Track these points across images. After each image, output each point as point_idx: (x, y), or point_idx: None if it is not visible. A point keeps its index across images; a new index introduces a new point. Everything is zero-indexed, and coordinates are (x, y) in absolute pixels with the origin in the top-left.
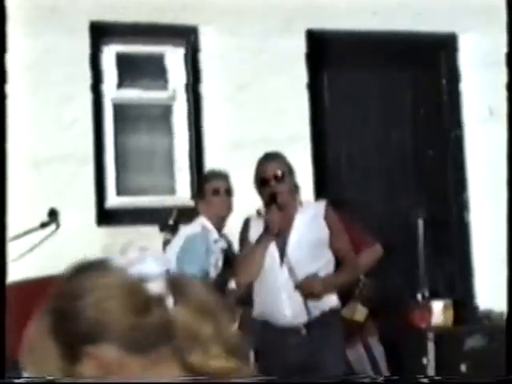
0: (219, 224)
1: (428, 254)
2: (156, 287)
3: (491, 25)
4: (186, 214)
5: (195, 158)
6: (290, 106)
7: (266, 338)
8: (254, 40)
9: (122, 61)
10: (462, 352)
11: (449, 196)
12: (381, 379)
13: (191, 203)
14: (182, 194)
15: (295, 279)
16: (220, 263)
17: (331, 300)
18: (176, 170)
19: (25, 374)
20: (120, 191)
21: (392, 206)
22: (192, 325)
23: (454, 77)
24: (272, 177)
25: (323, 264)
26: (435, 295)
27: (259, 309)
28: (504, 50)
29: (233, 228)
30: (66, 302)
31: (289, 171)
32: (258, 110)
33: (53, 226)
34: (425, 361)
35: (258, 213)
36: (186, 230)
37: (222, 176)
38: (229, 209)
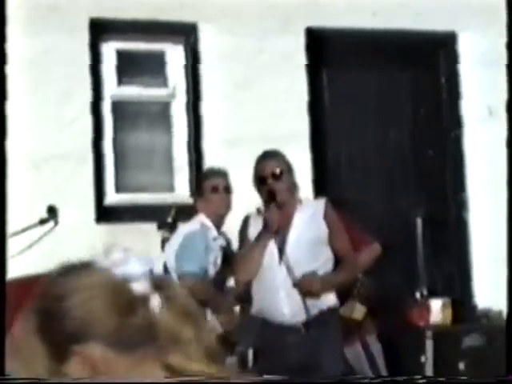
0: (218, 222)
1: (427, 253)
2: (140, 287)
3: (490, 24)
4: (184, 212)
5: (194, 155)
6: (289, 105)
7: (265, 337)
8: (253, 38)
9: (122, 58)
10: (460, 350)
11: (448, 195)
12: (379, 380)
13: (190, 201)
14: (181, 192)
15: (294, 277)
16: (219, 261)
17: (330, 299)
18: (175, 168)
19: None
20: (119, 188)
21: (391, 206)
22: (174, 327)
23: (453, 76)
24: (270, 175)
25: (322, 262)
26: (434, 294)
27: (258, 307)
28: (503, 49)
29: (232, 226)
30: (51, 302)
31: (287, 169)
32: (257, 108)
33: (51, 223)
34: (423, 359)
35: (258, 211)
36: (184, 228)
37: (221, 174)
38: (228, 206)
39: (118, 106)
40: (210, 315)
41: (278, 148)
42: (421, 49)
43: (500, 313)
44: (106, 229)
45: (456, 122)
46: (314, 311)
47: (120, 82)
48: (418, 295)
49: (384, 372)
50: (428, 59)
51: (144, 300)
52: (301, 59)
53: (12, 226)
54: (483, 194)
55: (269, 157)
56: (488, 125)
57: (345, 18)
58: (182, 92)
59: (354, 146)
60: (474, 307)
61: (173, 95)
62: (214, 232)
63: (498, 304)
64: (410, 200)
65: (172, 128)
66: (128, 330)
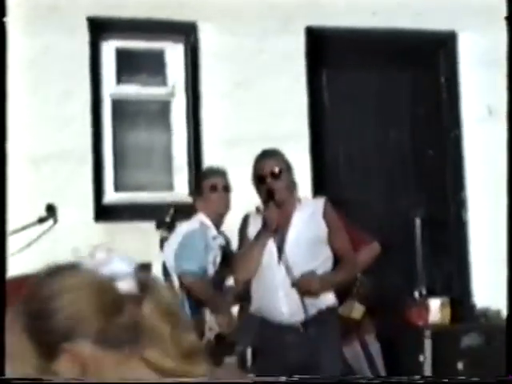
0: (217, 221)
1: (426, 252)
2: (125, 286)
3: (490, 24)
4: (183, 211)
5: (193, 154)
6: (288, 105)
7: (264, 336)
8: (253, 38)
9: (122, 57)
10: (459, 350)
11: (447, 195)
12: (378, 380)
13: (189, 200)
14: (180, 191)
15: (292, 277)
16: (218, 260)
17: (328, 298)
18: (174, 167)
19: None
20: (118, 187)
21: (391, 206)
22: (157, 325)
23: (453, 76)
24: (269, 174)
25: (321, 262)
26: (432, 293)
27: (256, 305)
28: (503, 49)
29: (231, 225)
30: (39, 302)
31: (286, 168)
32: (256, 107)
33: (51, 222)
34: (421, 358)
35: (257, 209)
36: (184, 227)
37: (220, 173)
38: (227, 205)
39: (118, 105)
40: (208, 315)
41: (278, 148)
42: (421, 49)
43: (498, 312)
44: (104, 227)
45: (456, 122)
46: (313, 311)
47: (119, 80)
48: (416, 294)
49: (383, 371)
50: (428, 59)
51: (130, 298)
52: (300, 59)
53: (12, 224)
54: (482, 193)
55: (268, 156)
56: (488, 125)
57: (345, 17)
58: (181, 91)
59: (353, 145)
60: (472, 307)
61: (172, 94)
62: (213, 231)
63: (497, 303)
64: (410, 200)
65: (171, 127)
66: (114, 328)
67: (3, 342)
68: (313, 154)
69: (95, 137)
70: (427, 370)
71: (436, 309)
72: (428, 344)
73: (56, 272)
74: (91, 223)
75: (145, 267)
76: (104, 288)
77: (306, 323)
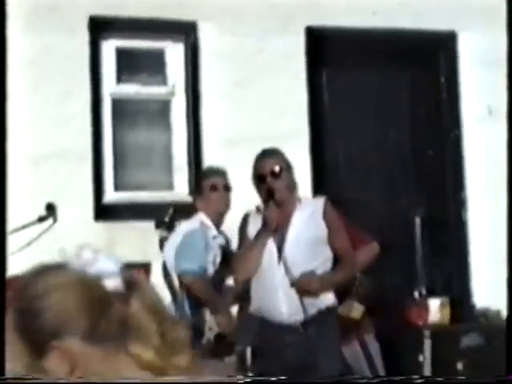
0: (218, 220)
1: (426, 252)
2: (112, 283)
3: (491, 24)
4: (183, 210)
5: (193, 154)
6: (288, 104)
7: (263, 335)
8: (253, 37)
9: (122, 56)
10: (459, 350)
11: (447, 195)
12: (377, 380)
13: (189, 199)
14: (180, 190)
15: (292, 277)
16: (218, 260)
17: (328, 298)
18: (174, 166)
19: None
20: (118, 186)
21: (391, 205)
22: (144, 321)
23: (453, 76)
24: (269, 173)
25: (321, 261)
26: (432, 293)
27: (256, 305)
28: (503, 49)
29: (231, 225)
30: (28, 302)
31: (287, 167)
32: (256, 107)
33: (50, 221)
34: (421, 358)
35: (258, 209)
36: (184, 226)
37: (220, 172)
38: (227, 205)
39: (118, 104)
40: (208, 315)
41: (278, 147)
42: (421, 49)
43: (498, 312)
44: (104, 227)
45: (456, 122)
46: (313, 310)
47: (119, 80)
48: (416, 294)
49: (382, 371)
50: (428, 59)
51: (117, 295)
52: (300, 58)
53: (12, 223)
54: (482, 193)
55: (268, 155)
56: (488, 125)
57: (345, 17)
58: (181, 90)
59: (353, 145)
60: (472, 307)
61: (172, 93)
62: (213, 231)
63: (497, 303)
64: (410, 200)
65: (171, 126)
66: (102, 325)
67: (3, 341)
68: (313, 154)
69: (95, 136)
70: (427, 370)
71: (436, 309)
72: (427, 344)
73: (43, 272)
74: (91, 222)
75: (144, 266)
76: (91, 286)
77: (305, 323)
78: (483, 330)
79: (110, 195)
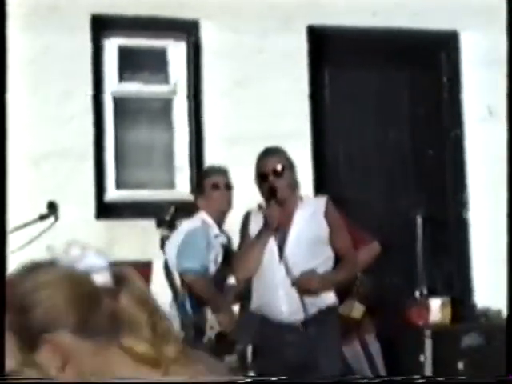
0: (219, 219)
1: (426, 252)
2: (100, 278)
3: (492, 24)
4: (185, 209)
5: (195, 152)
6: (290, 103)
7: (264, 334)
8: (255, 36)
9: (124, 54)
10: (459, 350)
11: (448, 195)
12: (378, 379)
13: (190, 198)
14: (181, 189)
15: (292, 276)
16: (220, 259)
17: (328, 297)
18: (175, 165)
19: None
20: (119, 185)
21: (391, 205)
22: (134, 314)
23: (454, 76)
24: (271, 171)
25: (322, 261)
26: (433, 293)
27: (257, 304)
28: (504, 49)
29: (232, 224)
30: (18, 299)
31: (289, 166)
32: (258, 106)
33: (52, 219)
34: (422, 358)
35: (259, 207)
36: (186, 225)
37: (222, 171)
38: (229, 203)
39: (119, 103)
40: (209, 314)
41: (280, 146)
42: (423, 48)
43: (499, 312)
44: (105, 225)
45: (457, 122)
46: (313, 310)
47: (121, 78)
48: (417, 294)
49: (383, 371)
50: (430, 59)
51: (106, 290)
52: (302, 57)
53: (13, 222)
54: (483, 193)
55: (270, 153)
56: (488, 124)
57: (346, 17)
58: (183, 89)
59: (354, 144)
60: (473, 306)
61: (174, 92)
62: (215, 229)
63: (498, 303)
64: (410, 200)
65: (173, 125)
66: (93, 319)
67: (3, 341)
68: (314, 153)
69: (97, 134)
70: (427, 370)
71: (437, 308)
72: (428, 344)
73: (33, 269)
74: (92, 221)
75: (145, 265)
76: (79, 281)
77: (305, 322)
78: (484, 330)
79: (112, 194)
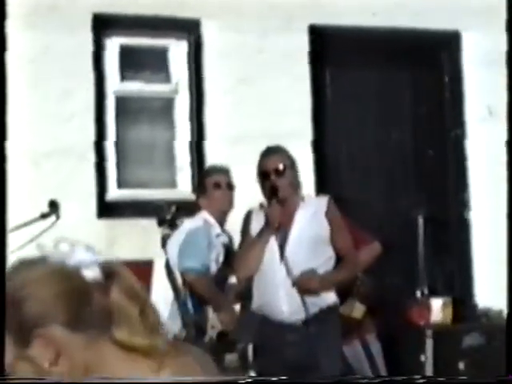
0: (221, 218)
1: (428, 252)
2: (91, 273)
3: (494, 24)
4: (186, 208)
5: (196, 151)
6: (291, 103)
7: (265, 334)
8: (256, 35)
9: (125, 53)
10: (460, 350)
11: (449, 195)
12: (378, 379)
13: (192, 197)
14: (183, 188)
15: (293, 276)
16: (221, 258)
17: (329, 297)
18: (177, 164)
19: None
20: (121, 184)
21: (392, 205)
22: (125, 307)
23: (456, 76)
24: (273, 170)
25: (323, 261)
26: (434, 293)
27: (258, 303)
28: (504, 49)
29: (234, 223)
30: (11, 295)
31: (291, 165)
32: (259, 105)
33: (53, 218)
34: (423, 358)
35: (261, 205)
36: (187, 224)
37: (223, 170)
38: (230, 203)
39: (121, 102)
40: (211, 313)
41: (282, 145)
42: (424, 48)
43: (500, 312)
44: (107, 224)
45: (459, 122)
46: (314, 310)
47: (123, 77)
48: (418, 294)
49: (383, 371)
50: (431, 59)
51: (96, 284)
52: (303, 57)
53: (14, 220)
54: (485, 193)
55: (272, 152)
56: (489, 124)
57: (347, 16)
58: (184, 88)
59: (355, 144)
60: (474, 306)
61: (175, 91)
62: (216, 229)
63: (499, 303)
64: (412, 199)
65: (174, 124)
66: (83, 313)
67: (3, 341)
68: (315, 152)
69: (98, 133)
70: (428, 370)
71: (438, 308)
72: (429, 344)
73: (23, 265)
74: (93, 220)
75: (146, 264)
76: (69, 276)
77: (306, 322)
78: (485, 330)
79: (113, 193)
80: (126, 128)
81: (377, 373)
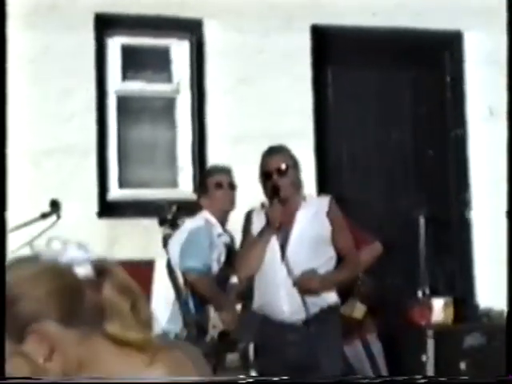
0: (223, 218)
1: (429, 252)
2: (83, 270)
3: (496, 24)
4: (187, 208)
5: (198, 151)
6: (293, 102)
7: (265, 333)
8: (258, 35)
9: (127, 53)
10: (462, 350)
11: (450, 195)
12: (379, 379)
13: (193, 197)
14: (184, 188)
15: (294, 275)
16: (223, 258)
17: (330, 297)
18: (178, 164)
19: None
20: (122, 184)
21: (393, 205)
22: (117, 302)
23: (458, 76)
24: (275, 170)
25: (324, 261)
26: (435, 293)
27: (259, 303)
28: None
29: (236, 223)
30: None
31: (293, 165)
32: (261, 105)
33: (54, 217)
34: (424, 358)
35: (262, 205)
36: (189, 224)
37: (225, 170)
38: (232, 202)
39: (123, 101)
40: (212, 313)
41: (284, 144)
42: (426, 48)
43: (501, 312)
44: (108, 224)
45: (460, 122)
46: (314, 309)
47: (124, 77)
48: (419, 294)
49: (384, 371)
50: (433, 58)
51: (89, 281)
52: (305, 57)
53: (15, 220)
54: (486, 193)
55: (275, 152)
56: (491, 124)
57: (349, 16)
58: (186, 88)
59: (356, 144)
60: (475, 306)
61: (177, 91)
62: (218, 229)
63: (500, 303)
64: (413, 199)
65: (176, 124)
66: (75, 310)
67: (3, 341)
68: (316, 152)
69: (100, 133)
70: (430, 370)
71: (439, 308)
72: (430, 344)
73: (16, 264)
74: (94, 219)
75: (147, 263)
76: (61, 274)
77: (307, 321)
78: (486, 330)
79: (114, 192)
80: (127, 128)
81: (378, 373)
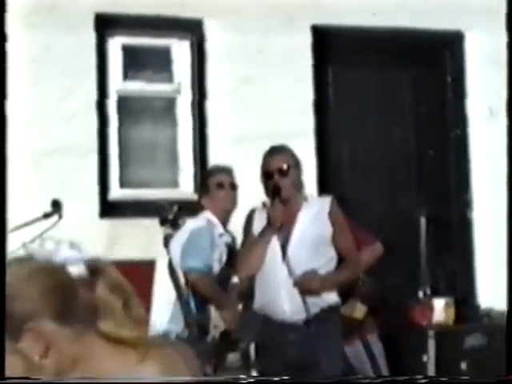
0: (224, 218)
1: (430, 252)
2: (76, 270)
3: (497, 24)
4: (188, 208)
5: (199, 151)
6: (294, 102)
7: (266, 333)
8: (258, 35)
9: (128, 53)
10: (462, 350)
11: (451, 195)
12: (380, 380)
13: (194, 197)
14: (185, 188)
15: (295, 275)
16: (224, 258)
17: (331, 297)
18: (179, 164)
19: None
20: (123, 184)
21: (394, 205)
22: (110, 301)
23: (459, 76)
24: (277, 170)
25: (325, 261)
26: (436, 293)
27: (260, 303)
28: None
29: (236, 223)
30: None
31: (295, 165)
32: (262, 105)
33: (55, 217)
34: (425, 358)
35: (264, 205)
36: (190, 224)
37: (226, 170)
38: (234, 202)
39: (123, 101)
40: (213, 312)
41: (286, 144)
42: (427, 48)
43: (502, 313)
44: (109, 224)
45: (461, 122)
46: (315, 310)
47: (125, 77)
48: (420, 294)
49: (385, 371)
50: (434, 58)
51: (82, 280)
52: (306, 57)
53: (16, 220)
54: (487, 193)
55: (276, 152)
56: (491, 124)
57: (349, 16)
58: (187, 88)
59: (357, 144)
60: (476, 307)
61: (178, 91)
62: (219, 228)
63: (501, 304)
64: (414, 199)
65: (177, 124)
66: (69, 308)
67: (3, 341)
68: (318, 152)
69: (101, 133)
70: (431, 370)
71: (440, 309)
72: (431, 344)
73: (11, 264)
74: (96, 219)
75: (148, 263)
76: (54, 273)
77: (308, 321)
78: (487, 331)
79: (116, 192)
80: (128, 128)
81: (379, 373)
